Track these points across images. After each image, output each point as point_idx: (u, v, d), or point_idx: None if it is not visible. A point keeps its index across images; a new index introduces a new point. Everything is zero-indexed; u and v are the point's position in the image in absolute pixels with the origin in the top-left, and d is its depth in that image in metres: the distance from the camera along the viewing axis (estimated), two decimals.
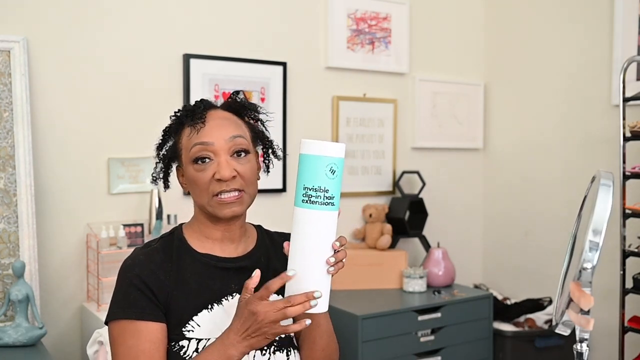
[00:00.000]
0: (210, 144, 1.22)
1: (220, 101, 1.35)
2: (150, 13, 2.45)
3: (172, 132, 1.30)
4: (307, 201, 1.10)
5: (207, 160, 1.22)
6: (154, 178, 1.33)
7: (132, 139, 2.42)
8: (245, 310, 1.10)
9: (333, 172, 1.09)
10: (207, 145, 1.22)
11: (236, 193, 1.23)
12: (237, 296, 1.26)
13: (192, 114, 1.26)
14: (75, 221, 2.32)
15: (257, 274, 1.11)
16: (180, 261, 1.26)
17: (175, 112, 1.31)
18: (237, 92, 1.35)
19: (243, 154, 1.25)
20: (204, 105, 1.29)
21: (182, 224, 1.35)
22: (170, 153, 1.30)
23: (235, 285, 1.27)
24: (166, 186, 1.35)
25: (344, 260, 1.14)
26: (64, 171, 2.30)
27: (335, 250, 1.12)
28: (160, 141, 1.32)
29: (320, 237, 1.11)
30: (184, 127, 1.27)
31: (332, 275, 1.13)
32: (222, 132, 1.24)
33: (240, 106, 1.33)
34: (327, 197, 1.10)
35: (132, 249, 1.32)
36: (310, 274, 1.11)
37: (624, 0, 2.65)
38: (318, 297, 1.08)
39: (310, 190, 1.09)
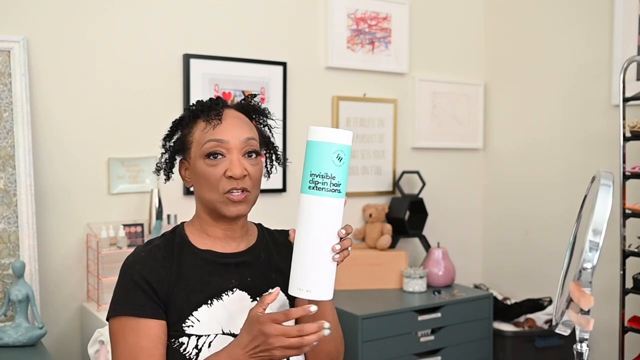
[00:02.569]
0: (225, 141, 1.23)
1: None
2: (150, 13, 2.45)
3: (183, 125, 1.31)
4: (313, 187, 1.10)
5: (220, 156, 1.23)
6: (158, 168, 1.34)
7: (132, 139, 2.42)
8: (257, 328, 1.10)
9: (340, 159, 1.09)
10: (222, 142, 1.23)
11: (242, 192, 1.24)
12: (237, 291, 1.27)
13: (208, 109, 1.27)
14: (75, 221, 2.32)
15: (276, 291, 1.12)
16: (181, 257, 1.27)
17: (190, 106, 1.31)
18: (253, 95, 1.37)
19: (254, 155, 1.27)
20: (222, 103, 1.30)
21: (183, 222, 1.35)
22: (178, 145, 1.30)
23: (235, 280, 1.28)
24: (168, 177, 1.35)
25: (349, 249, 1.15)
26: (64, 171, 2.30)
27: (341, 238, 1.12)
28: (168, 132, 1.33)
29: (326, 224, 1.10)
30: (198, 121, 1.27)
31: (338, 263, 1.14)
32: (237, 131, 1.25)
33: (253, 109, 1.34)
34: (333, 184, 1.09)
35: (132, 249, 1.32)
36: (315, 261, 1.11)
37: (624, 0, 2.65)
38: (327, 328, 1.08)
39: (316, 176, 1.09)
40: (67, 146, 2.31)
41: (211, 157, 1.23)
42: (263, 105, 1.37)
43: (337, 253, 1.12)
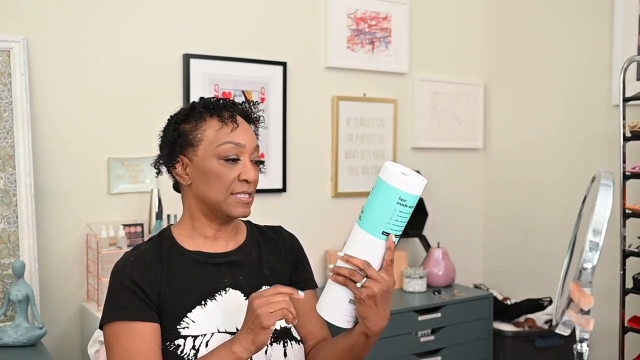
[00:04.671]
0: (242, 145, 1.26)
1: None
2: (150, 13, 2.45)
3: (187, 121, 1.28)
4: None
5: (237, 160, 1.25)
6: (159, 162, 1.32)
7: (132, 139, 2.42)
8: (248, 303, 1.14)
9: (373, 188, 1.15)
10: (240, 146, 1.26)
11: (250, 196, 1.27)
12: (230, 290, 1.27)
13: (220, 109, 1.27)
14: (75, 221, 2.32)
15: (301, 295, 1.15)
16: (170, 260, 1.26)
17: (195, 103, 1.30)
18: (255, 103, 1.37)
19: (258, 163, 1.30)
20: (235, 107, 1.31)
21: (170, 225, 1.35)
22: (183, 140, 1.27)
23: (227, 279, 1.28)
24: (160, 172, 1.34)
25: (358, 285, 1.14)
26: (64, 171, 2.30)
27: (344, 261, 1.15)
28: (169, 126, 1.31)
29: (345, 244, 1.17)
30: (208, 119, 1.27)
31: (358, 298, 1.15)
32: (250, 138, 1.28)
33: (250, 118, 1.35)
34: (361, 210, 1.17)
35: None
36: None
37: (624, 0, 2.65)
38: (300, 295, 1.14)
39: None
40: (67, 146, 2.31)
41: (229, 161, 1.24)
42: (260, 114, 1.38)
43: (331, 272, 1.16)
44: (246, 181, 1.25)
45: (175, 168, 1.29)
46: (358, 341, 1.22)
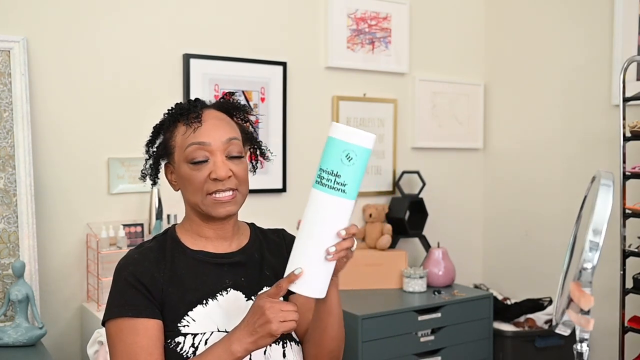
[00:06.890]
0: (207, 144, 1.24)
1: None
2: (150, 13, 2.45)
3: (164, 129, 1.31)
4: (319, 182, 1.10)
5: (204, 160, 1.24)
6: (143, 174, 1.34)
7: (132, 139, 2.42)
8: (255, 304, 1.13)
9: (349, 158, 1.08)
10: (204, 145, 1.23)
11: (231, 192, 1.25)
12: (232, 291, 1.27)
13: (187, 112, 1.27)
14: (75, 221, 2.32)
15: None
16: (173, 259, 1.27)
17: (169, 110, 1.31)
18: (231, 93, 1.37)
19: (237, 157, 1.27)
20: (200, 105, 1.30)
21: (175, 224, 1.36)
22: (162, 150, 1.30)
23: (229, 280, 1.28)
24: (154, 183, 1.36)
25: (353, 249, 1.13)
26: (64, 171, 2.30)
27: (342, 239, 1.11)
28: (150, 137, 1.33)
29: (325, 221, 1.09)
30: (178, 125, 1.27)
31: (342, 264, 1.14)
32: (218, 132, 1.25)
33: (232, 107, 1.34)
34: (337, 182, 1.08)
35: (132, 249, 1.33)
36: (308, 258, 1.10)
37: (624, 0, 2.65)
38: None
39: (324, 172, 1.09)
40: (67, 146, 2.31)
41: (196, 163, 1.23)
42: (242, 102, 1.37)
43: (331, 254, 1.10)
44: (218, 179, 1.22)
45: (163, 176, 1.32)
46: (330, 317, 1.25)
